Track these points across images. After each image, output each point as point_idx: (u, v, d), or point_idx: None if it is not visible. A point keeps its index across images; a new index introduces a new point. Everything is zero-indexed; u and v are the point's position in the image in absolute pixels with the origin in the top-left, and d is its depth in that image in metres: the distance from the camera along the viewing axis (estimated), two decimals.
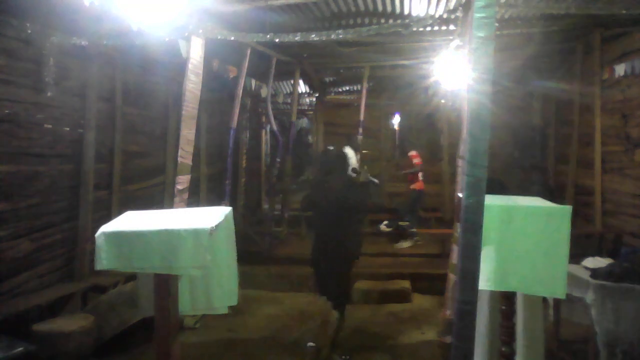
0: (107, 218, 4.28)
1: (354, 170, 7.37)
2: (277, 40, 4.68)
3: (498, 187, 4.06)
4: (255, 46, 5.91)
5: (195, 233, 1.90)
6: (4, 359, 2.99)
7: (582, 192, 6.65)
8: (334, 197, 4.13)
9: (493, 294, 3.19)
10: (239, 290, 2.34)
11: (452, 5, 4.88)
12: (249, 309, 5.42)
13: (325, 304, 4.20)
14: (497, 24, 5.31)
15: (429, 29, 5.83)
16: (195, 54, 4.28)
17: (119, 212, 2.39)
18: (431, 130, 9.71)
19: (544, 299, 3.62)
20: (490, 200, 2.03)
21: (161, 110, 6.50)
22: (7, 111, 4.03)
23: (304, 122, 14.54)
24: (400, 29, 4.68)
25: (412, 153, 7.71)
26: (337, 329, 4.17)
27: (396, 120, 10.05)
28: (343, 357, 4.13)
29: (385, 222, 7.70)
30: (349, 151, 7.62)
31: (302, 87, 10.49)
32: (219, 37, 4.56)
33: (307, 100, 11.55)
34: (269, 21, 5.26)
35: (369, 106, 8.63)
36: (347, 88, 10.45)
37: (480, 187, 1.89)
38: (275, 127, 7.70)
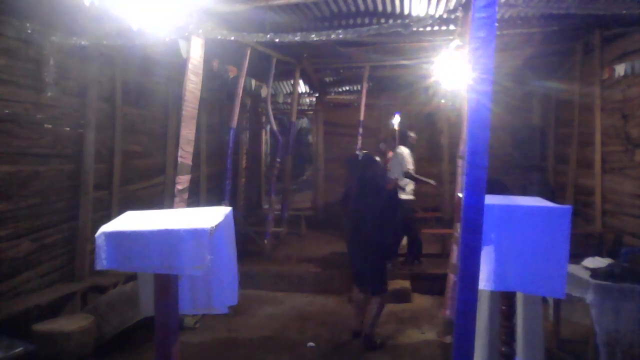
0: (107, 218, 4.29)
1: (407, 174, 6.17)
2: (277, 40, 4.68)
3: (498, 187, 4.06)
4: (255, 46, 5.91)
5: (195, 233, 1.90)
6: (4, 359, 2.99)
7: (582, 192, 6.65)
8: (362, 196, 4.49)
9: (493, 294, 3.19)
10: (239, 290, 2.34)
11: (452, 5, 4.88)
12: (249, 309, 5.42)
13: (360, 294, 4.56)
14: (497, 24, 5.30)
15: (429, 29, 5.83)
16: (195, 54, 4.28)
17: (119, 212, 2.39)
18: (431, 130, 9.71)
19: (544, 299, 3.63)
20: (490, 200, 2.03)
21: (161, 110, 6.50)
22: (7, 111, 4.03)
23: (304, 122, 14.54)
24: (400, 29, 4.68)
25: (390, 153, 7.74)
26: (376, 314, 4.41)
27: (396, 120, 10.05)
28: (379, 341, 4.45)
29: None
30: (404, 150, 6.45)
31: (302, 87, 10.49)
32: (219, 37, 4.56)
33: (307, 100, 11.55)
34: (269, 21, 5.26)
35: (369, 106, 8.63)
36: (347, 88, 10.46)
37: (480, 187, 1.88)
38: (275, 127, 7.70)
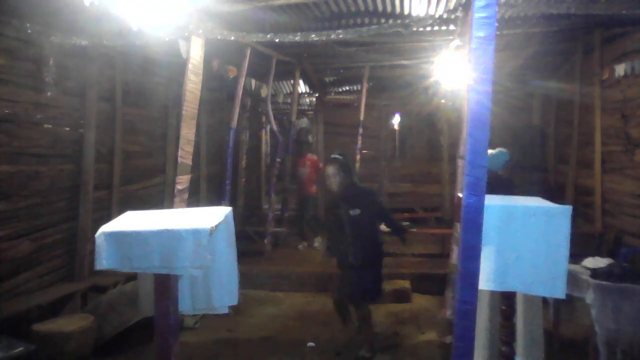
0: (107, 218, 4.29)
1: None
2: (277, 40, 4.68)
3: (506, 185, 4.08)
4: (255, 46, 5.91)
5: (195, 233, 1.90)
6: (4, 359, 2.99)
7: (582, 192, 6.65)
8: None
9: (493, 294, 3.19)
10: (239, 290, 2.34)
11: (452, 5, 4.88)
12: (249, 309, 5.42)
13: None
14: (497, 24, 5.30)
15: (429, 29, 5.83)
16: (195, 54, 4.28)
17: (119, 212, 2.39)
18: (431, 130, 9.71)
19: (544, 299, 3.63)
20: (490, 200, 2.03)
21: (161, 110, 6.50)
22: (7, 111, 4.03)
23: (304, 122, 14.55)
24: (400, 29, 4.68)
25: (313, 157, 7.86)
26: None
27: (396, 120, 10.06)
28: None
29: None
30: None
31: (302, 87, 10.49)
32: (219, 37, 4.56)
33: (307, 100, 11.55)
34: (269, 21, 5.26)
35: (369, 106, 8.63)
36: (347, 88, 10.46)
37: (480, 187, 1.88)
38: (275, 127, 7.70)
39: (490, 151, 4.27)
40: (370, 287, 4.08)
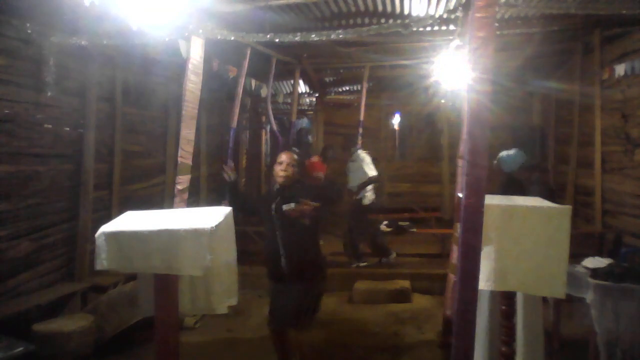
0: (107, 218, 4.27)
1: (372, 179, 6.30)
2: (277, 40, 4.68)
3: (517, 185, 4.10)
4: (255, 46, 5.90)
5: (195, 233, 1.90)
6: (4, 359, 2.99)
7: (582, 192, 6.65)
8: None
9: (493, 294, 3.19)
10: (239, 290, 2.34)
11: (452, 5, 4.88)
12: (249, 309, 5.42)
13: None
14: (497, 24, 5.31)
15: (429, 29, 5.83)
16: (195, 54, 4.27)
17: (119, 212, 2.39)
18: (431, 130, 9.71)
19: (544, 299, 3.63)
20: (490, 200, 2.03)
21: (161, 110, 6.50)
22: (7, 111, 4.03)
23: (304, 122, 14.56)
24: (400, 29, 4.67)
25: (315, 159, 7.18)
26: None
27: (396, 120, 10.07)
28: None
29: (385, 222, 7.70)
30: (362, 154, 6.56)
31: (302, 87, 10.49)
32: (219, 37, 4.56)
33: (307, 100, 11.55)
34: (269, 21, 5.26)
35: (369, 106, 8.63)
36: (347, 88, 10.46)
37: (480, 187, 1.89)
38: (275, 127, 7.69)
39: (506, 152, 4.32)
40: (296, 307, 3.33)
